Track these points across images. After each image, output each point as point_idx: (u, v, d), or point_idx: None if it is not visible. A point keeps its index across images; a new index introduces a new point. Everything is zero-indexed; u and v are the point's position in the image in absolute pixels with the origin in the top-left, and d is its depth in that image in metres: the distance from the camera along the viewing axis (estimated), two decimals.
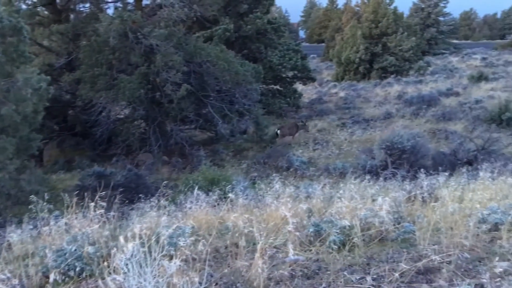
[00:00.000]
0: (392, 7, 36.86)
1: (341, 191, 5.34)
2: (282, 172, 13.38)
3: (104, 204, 4.23)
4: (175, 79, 14.84)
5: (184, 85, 15.04)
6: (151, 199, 5.72)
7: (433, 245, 3.73)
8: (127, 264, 2.69)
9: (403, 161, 11.83)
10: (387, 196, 4.92)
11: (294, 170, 13.94)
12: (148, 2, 17.34)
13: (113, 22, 14.61)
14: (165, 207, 5.37)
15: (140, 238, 2.91)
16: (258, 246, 3.27)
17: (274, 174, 7.57)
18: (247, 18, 21.82)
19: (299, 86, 27.20)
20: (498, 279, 2.91)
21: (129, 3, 17.49)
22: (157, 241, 2.92)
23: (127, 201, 7.81)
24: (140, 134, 16.27)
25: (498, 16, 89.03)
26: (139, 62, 15.30)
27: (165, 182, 7.12)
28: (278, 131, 18.74)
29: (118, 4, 17.18)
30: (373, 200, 4.84)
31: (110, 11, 17.30)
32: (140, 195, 7.10)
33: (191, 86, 15.51)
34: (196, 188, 5.92)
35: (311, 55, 48.03)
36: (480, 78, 29.83)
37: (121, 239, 2.90)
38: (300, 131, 19.36)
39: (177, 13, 15.14)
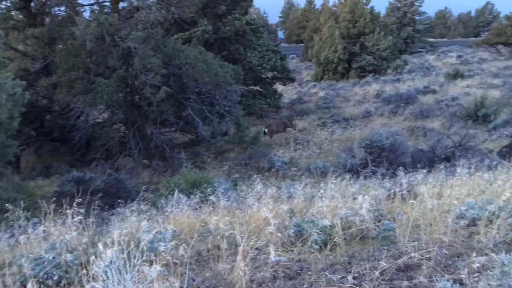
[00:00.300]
0: (368, 7, 37.32)
1: (322, 191, 5.35)
2: (263, 173, 13.42)
3: (82, 210, 4.16)
4: (154, 82, 14.72)
5: (163, 88, 14.92)
6: (132, 204, 5.66)
7: (413, 242, 3.77)
8: (106, 271, 2.65)
9: (382, 159, 11.96)
10: (367, 195, 4.96)
11: (276, 171, 13.98)
12: (125, 5, 17.17)
13: (89, 25, 14.41)
14: (145, 211, 5.32)
15: (120, 244, 2.87)
16: (240, 248, 3.26)
17: (255, 175, 7.58)
18: (225, 20, 21.76)
19: (279, 87, 27.32)
20: (476, 274, 2.96)
21: (105, 5, 17.29)
22: (137, 247, 2.88)
23: (107, 207, 7.73)
24: (119, 138, 16.09)
25: (472, 14, 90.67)
26: (117, 65, 15.12)
27: (145, 186, 7.06)
28: (266, 130, 18.74)
29: (95, 7, 16.95)
30: (354, 199, 4.87)
31: (86, 14, 17.07)
32: (121, 200, 7.02)
33: (170, 89, 15.40)
34: (177, 191, 5.88)
35: (290, 56, 48.26)
36: (456, 75, 30.38)
37: (100, 245, 2.86)
38: (288, 129, 19.43)
39: (154, 15, 15.02)
